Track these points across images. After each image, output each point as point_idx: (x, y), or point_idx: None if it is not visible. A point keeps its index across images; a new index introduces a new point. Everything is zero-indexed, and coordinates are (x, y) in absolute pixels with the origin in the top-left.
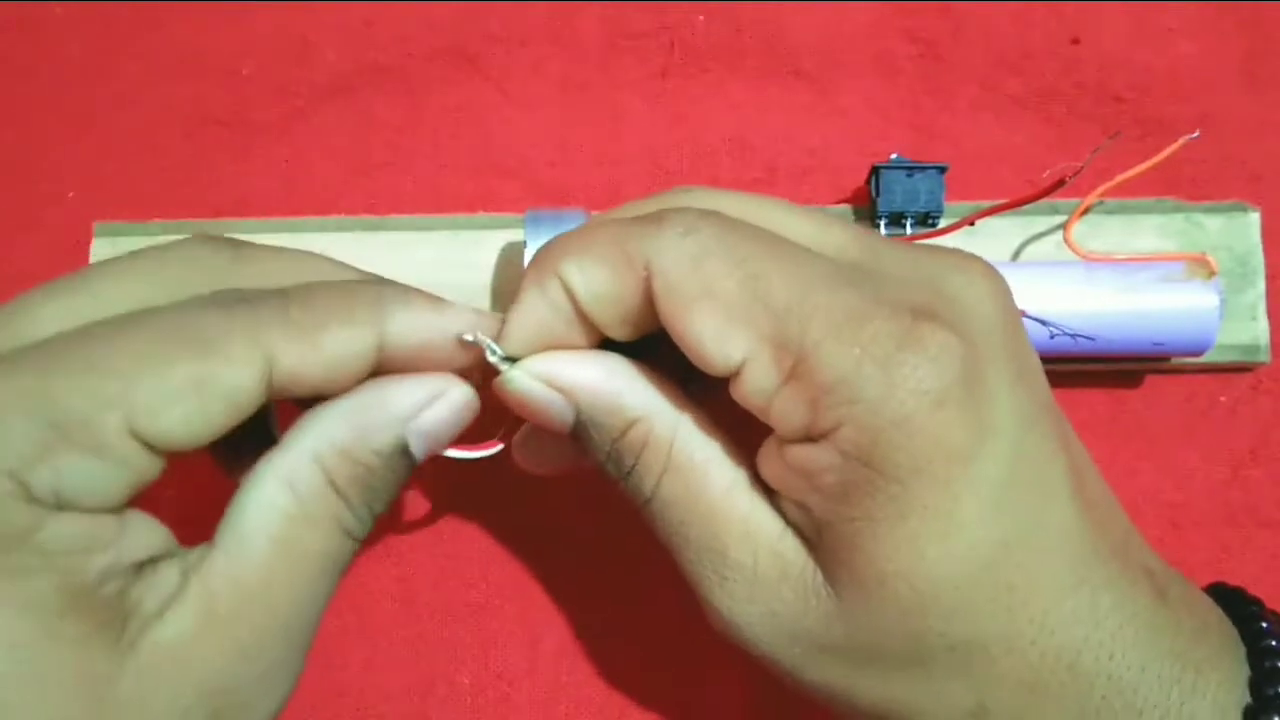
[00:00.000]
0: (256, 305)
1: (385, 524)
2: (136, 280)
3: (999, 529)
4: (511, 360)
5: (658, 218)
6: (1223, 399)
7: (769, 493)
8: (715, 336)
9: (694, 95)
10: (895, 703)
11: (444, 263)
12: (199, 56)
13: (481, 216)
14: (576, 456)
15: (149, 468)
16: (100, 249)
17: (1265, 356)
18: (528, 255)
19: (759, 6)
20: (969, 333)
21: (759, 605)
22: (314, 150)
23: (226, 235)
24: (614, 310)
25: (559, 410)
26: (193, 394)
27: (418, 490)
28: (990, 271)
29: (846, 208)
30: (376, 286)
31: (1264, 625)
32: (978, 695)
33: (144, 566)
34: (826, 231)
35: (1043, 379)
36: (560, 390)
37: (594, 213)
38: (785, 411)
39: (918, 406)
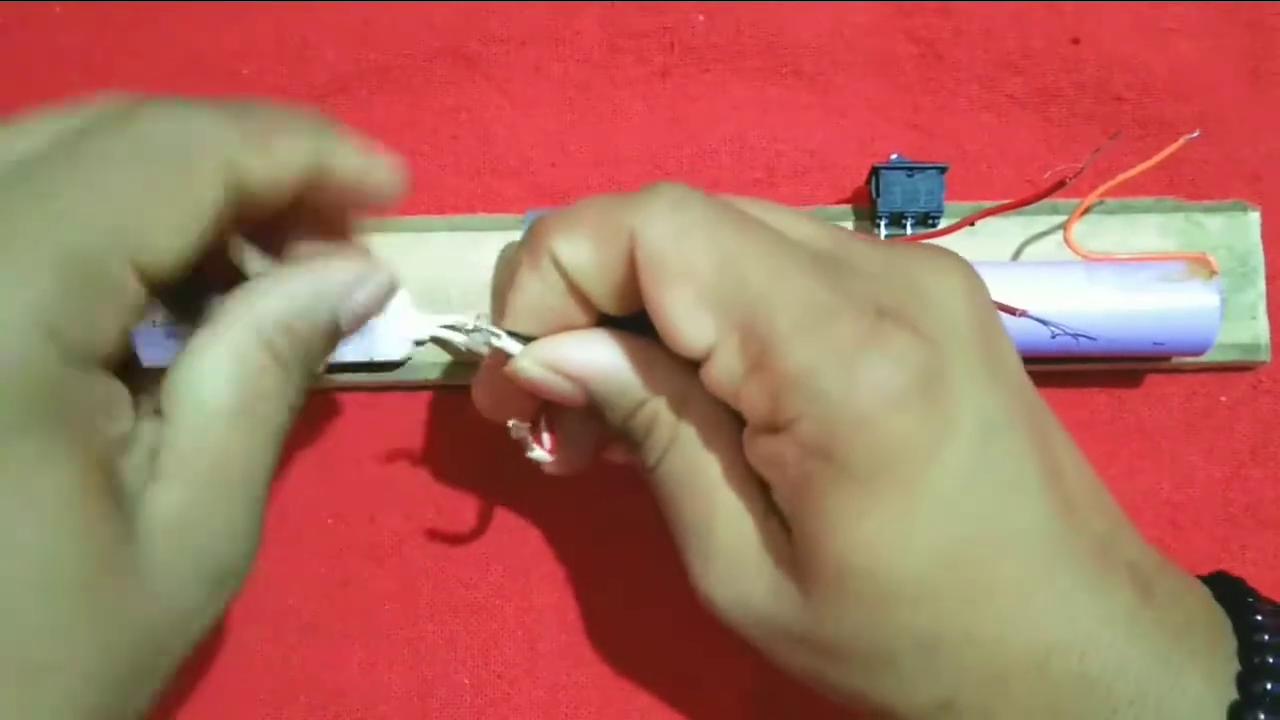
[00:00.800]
0: (212, 115)
1: (385, 524)
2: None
3: (960, 527)
4: (520, 338)
5: (649, 190)
6: (1223, 399)
7: (764, 480)
8: (687, 317)
9: (694, 95)
10: (865, 693)
11: (444, 263)
12: (199, 56)
13: (481, 217)
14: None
15: (139, 309)
16: None
17: (1265, 356)
18: None
19: (759, 6)
20: (936, 332)
21: (737, 588)
22: None
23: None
24: (603, 283)
25: (570, 392)
26: (175, 215)
27: (418, 491)
28: (963, 268)
29: (846, 208)
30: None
31: (1257, 619)
32: (945, 690)
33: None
34: (799, 226)
35: (1019, 376)
36: (568, 376)
37: None
38: (750, 400)
39: (877, 406)
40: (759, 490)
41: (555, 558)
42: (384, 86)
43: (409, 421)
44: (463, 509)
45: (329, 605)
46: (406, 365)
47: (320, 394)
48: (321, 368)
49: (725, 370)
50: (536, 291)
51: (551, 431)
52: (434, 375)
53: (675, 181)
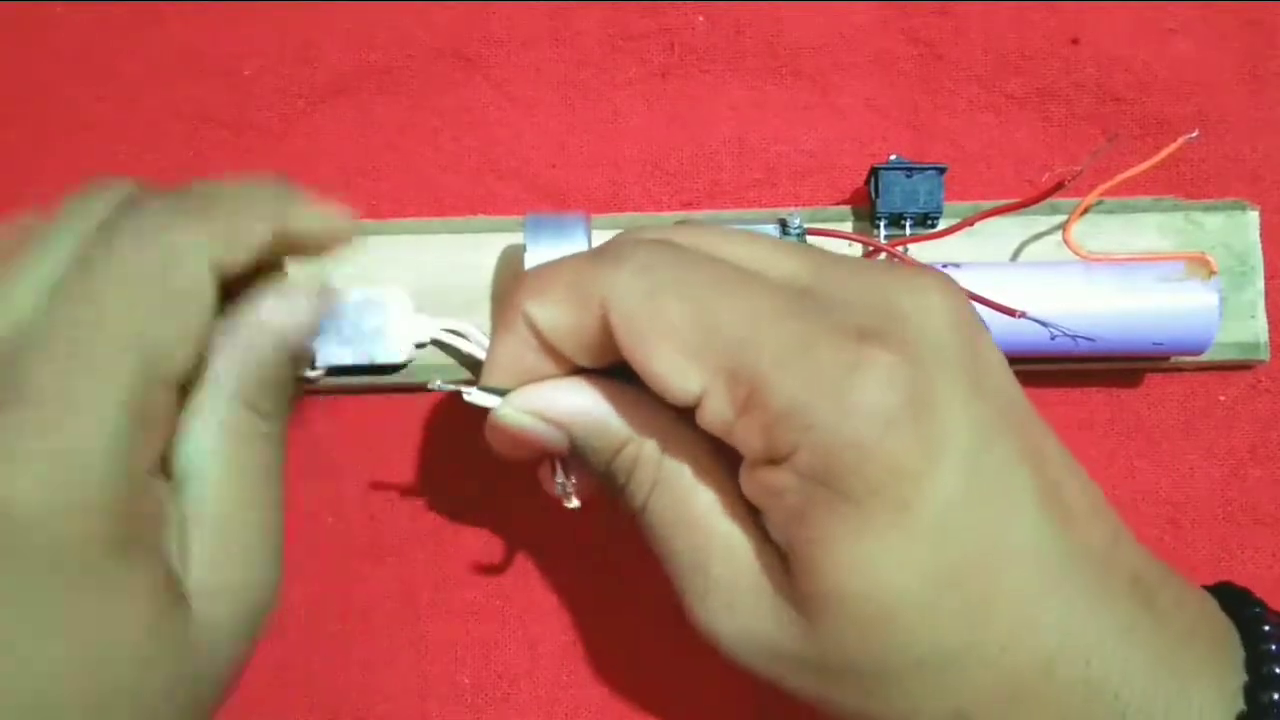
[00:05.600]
0: (186, 222)
1: (385, 524)
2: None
3: (956, 544)
4: (499, 393)
5: (614, 255)
6: (1222, 398)
7: (754, 510)
8: (672, 371)
9: (694, 95)
10: (872, 713)
11: (445, 265)
12: (199, 57)
13: (481, 219)
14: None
15: (175, 412)
16: None
17: (1264, 355)
18: (528, 260)
19: (759, 6)
20: (918, 351)
21: (737, 620)
22: (315, 151)
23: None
24: (580, 345)
25: (553, 438)
26: (187, 326)
27: (418, 491)
28: (944, 285)
29: (846, 208)
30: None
31: (1265, 629)
32: (953, 706)
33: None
34: (776, 257)
35: (1010, 389)
36: (550, 421)
37: (594, 215)
38: (745, 438)
39: (868, 429)
40: (752, 521)
41: (555, 558)
42: (385, 87)
43: (410, 423)
44: (463, 509)
45: (329, 605)
46: (408, 368)
47: (322, 396)
48: (292, 384)
49: (717, 414)
50: (514, 352)
51: (578, 474)
52: None
53: (640, 236)
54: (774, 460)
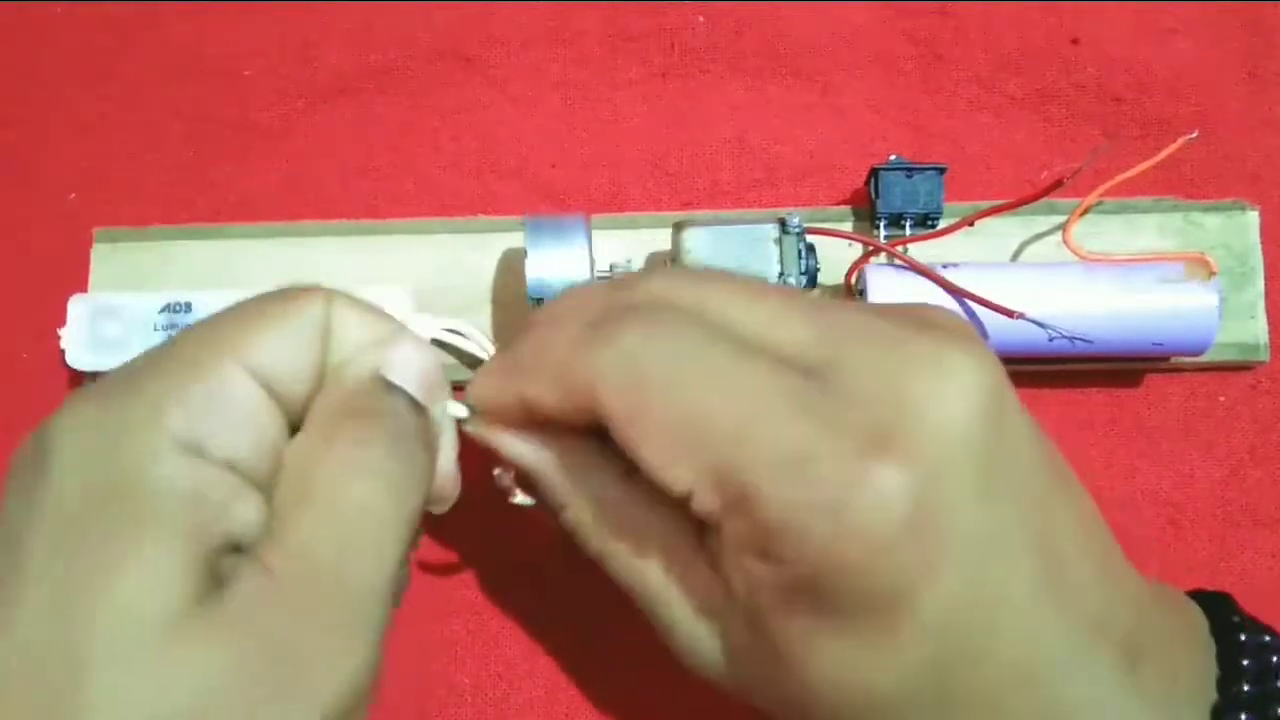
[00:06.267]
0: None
1: None
2: None
3: (941, 651)
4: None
5: (606, 335)
6: (1222, 398)
7: (716, 569)
8: (661, 465)
9: (694, 95)
10: None
11: (445, 266)
12: (199, 57)
13: (481, 219)
14: None
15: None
16: (100, 253)
17: (1264, 355)
18: (528, 263)
19: (759, 6)
20: (929, 454)
21: (702, 655)
22: (315, 151)
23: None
24: (568, 416)
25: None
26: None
27: None
28: (970, 361)
29: (846, 209)
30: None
31: (1244, 663)
32: None
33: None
34: (788, 321)
35: (1029, 470)
36: (502, 459)
37: (594, 215)
38: (733, 534)
39: (865, 554)
40: (715, 583)
41: (556, 558)
42: (385, 87)
43: None
44: (463, 509)
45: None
46: None
47: None
48: (427, 452)
49: (704, 506)
50: (504, 408)
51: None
52: None
53: (636, 297)
54: (758, 557)
